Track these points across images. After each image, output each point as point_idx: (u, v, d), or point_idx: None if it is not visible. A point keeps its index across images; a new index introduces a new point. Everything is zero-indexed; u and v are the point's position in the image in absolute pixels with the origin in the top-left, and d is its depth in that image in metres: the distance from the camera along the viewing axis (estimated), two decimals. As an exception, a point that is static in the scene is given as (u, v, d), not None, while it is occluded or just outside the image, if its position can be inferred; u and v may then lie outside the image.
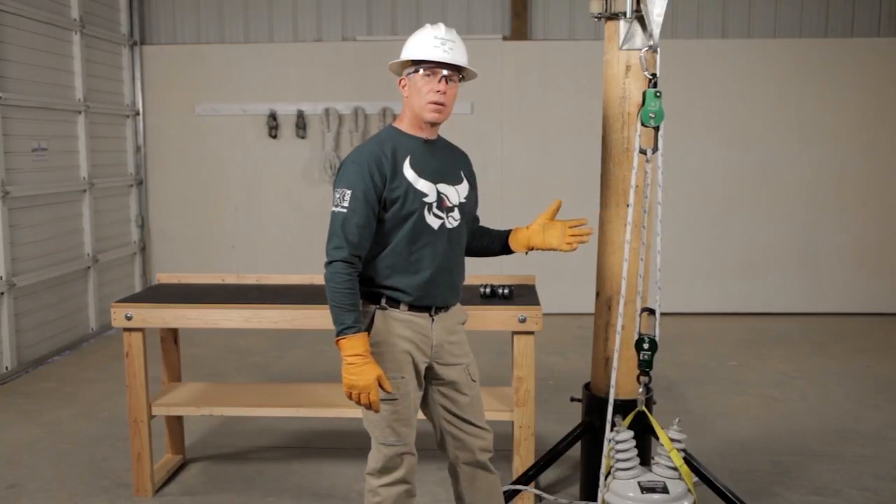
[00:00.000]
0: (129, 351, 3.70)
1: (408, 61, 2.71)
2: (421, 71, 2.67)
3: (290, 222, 7.98)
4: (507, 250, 3.04)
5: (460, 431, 2.85)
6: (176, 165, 8.01)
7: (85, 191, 6.96)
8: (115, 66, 7.65)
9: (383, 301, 2.70)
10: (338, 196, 2.63)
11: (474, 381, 2.88)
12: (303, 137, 7.83)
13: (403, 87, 2.73)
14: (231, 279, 4.31)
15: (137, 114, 7.93)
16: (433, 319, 2.75)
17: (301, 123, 7.79)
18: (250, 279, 4.30)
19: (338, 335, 2.59)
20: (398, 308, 2.70)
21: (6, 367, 5.85)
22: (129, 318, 3.65)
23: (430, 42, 2.67)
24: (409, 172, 2.67)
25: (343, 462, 4.26)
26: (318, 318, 3.66)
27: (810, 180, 7.81)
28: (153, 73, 7.94)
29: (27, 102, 6.15)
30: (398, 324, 2.70)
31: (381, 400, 2.64)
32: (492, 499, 2.93)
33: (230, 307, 3.70)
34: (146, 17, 8.10)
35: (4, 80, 5.92)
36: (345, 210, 2.60)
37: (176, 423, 4.26)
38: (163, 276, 4.39)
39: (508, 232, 3.03)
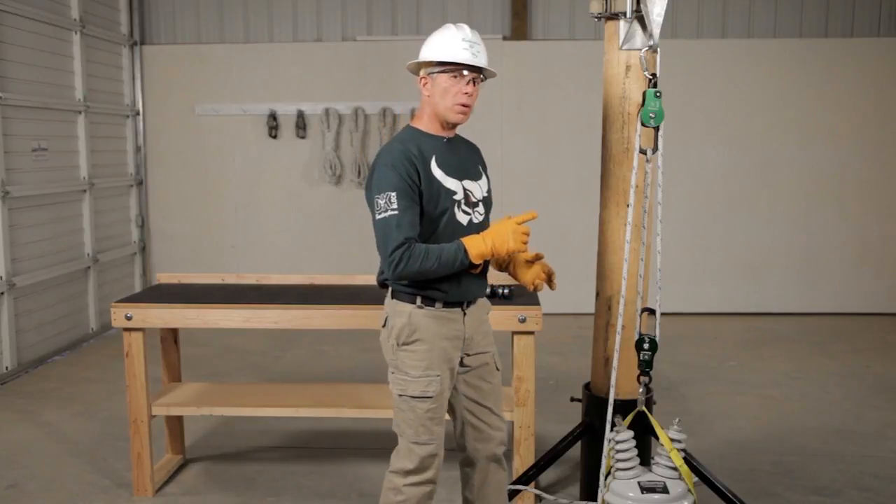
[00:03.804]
0: (129, 351, 3.70)
1: (428, 60, 2.71)
2: (451, 72, 2.67)
3: (290, 222, 7.98)
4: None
5: (481, 421, 2.89)
6: (176, 165, 8.01)
7: (85, 191, 6.95)
8: (115, 66, 7.65)
9: (419, 301, 2.71)
10: (383, 202, 2.59)
11: (498, 369, 2.93)
12: (303, 137, 7.83)
13: (425, 85, 2.73)
14: (231, 279, 4.31)
15: (137, 114, 7.93)
16: (465, 314, 2.78)
17: (301, 123, 7.79)
18: (250, 279, 4.30)
19: (468, 263, 2.64)
20: (433, 306, 2.72)
21: (6, 367, 5.85)
22: (129, 318, 3.65)
23: (459, 44, 2.67)
24: (437, 171, 2.70)
25: (343, 462, 4.26)
26: (318, 318, 3.67)
27: (810, 180, 7.81)
28: (153, 73, 7.94)
29: (27, 102, 6.15)
30: (434, 321, 2.72)
31: (416, 398, 2.70)
32: (500, 496, 2.96)
33: (230, 307, 3.70)
34: (146, 17, 8.10)
35: (4, 80, 5.92)
36: (396, 212, 2.58)
37: (176, 423, 4.26)
38: (163, 276, 4.39)
39: None
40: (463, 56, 2.66)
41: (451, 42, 2.68)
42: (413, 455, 2.74)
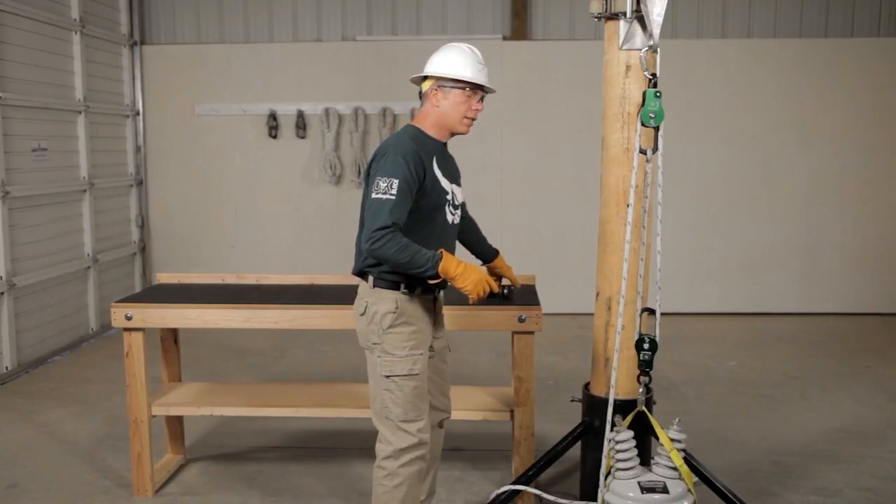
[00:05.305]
0: (129, 351, 3.70)
1: (447, 76, 2.92)
2: (466, 89, 2.91)
3: (290, 222, 7.98)
4: (479, 258, 3.45)
5: (438, 398, 3.19)
6: (176, 165, 8.01)
7: (85, 191, 6.96)
8: (115, 66, 7.65)
9: (402, 287, 2.92)
10: (384, 184, 2.76)
11: (450, 350, 3.29)
12: (303, 137, 7.83)
13: (435, 96, 2.94)
14: (231, 279, 4.31)
15: (137, 114, 7.93)
16: (436, 300, 3.09)
17: (301, 123, 7.79)
18: (250, 279, 4.30)
19: (433, 272, 2.80)
20: (415, 291, 2.94)
21: (6, 367, 5.85)
22: (129, 318, 3.66)
23: (475, 67, 2.94)
24: (437, 171, 2.92)
25: (343, 462, 4.26)
26: (318, 318, 3.67)
27: (810, 180, 7.81)
28: (153, 73, 7.94)
29: (27, 102, 6.15)
30: (416, 305, 2.96)
31: (404, 376, 2.89)
32: (438, 449, 3.35)
33: (230, 307, 3.70)
34: (146, 17, 8.11)
35: (4, 80, 5.92)
36: (392, 197, 2.75)
37: (176, 423, 4.26)
38: (163, 276, 4.39)
39: (492, 252, 3.46)
40: (481, 78, 2.94)
41: (469, 63, 2.93)
42: (403, 434, 2.92)
